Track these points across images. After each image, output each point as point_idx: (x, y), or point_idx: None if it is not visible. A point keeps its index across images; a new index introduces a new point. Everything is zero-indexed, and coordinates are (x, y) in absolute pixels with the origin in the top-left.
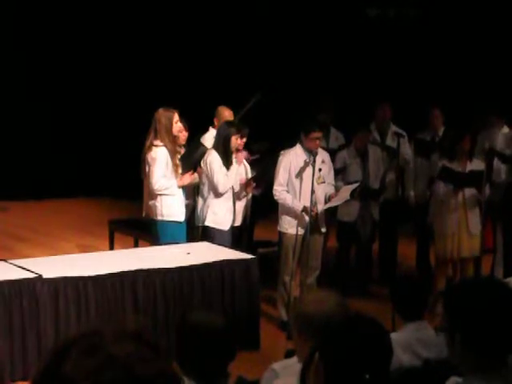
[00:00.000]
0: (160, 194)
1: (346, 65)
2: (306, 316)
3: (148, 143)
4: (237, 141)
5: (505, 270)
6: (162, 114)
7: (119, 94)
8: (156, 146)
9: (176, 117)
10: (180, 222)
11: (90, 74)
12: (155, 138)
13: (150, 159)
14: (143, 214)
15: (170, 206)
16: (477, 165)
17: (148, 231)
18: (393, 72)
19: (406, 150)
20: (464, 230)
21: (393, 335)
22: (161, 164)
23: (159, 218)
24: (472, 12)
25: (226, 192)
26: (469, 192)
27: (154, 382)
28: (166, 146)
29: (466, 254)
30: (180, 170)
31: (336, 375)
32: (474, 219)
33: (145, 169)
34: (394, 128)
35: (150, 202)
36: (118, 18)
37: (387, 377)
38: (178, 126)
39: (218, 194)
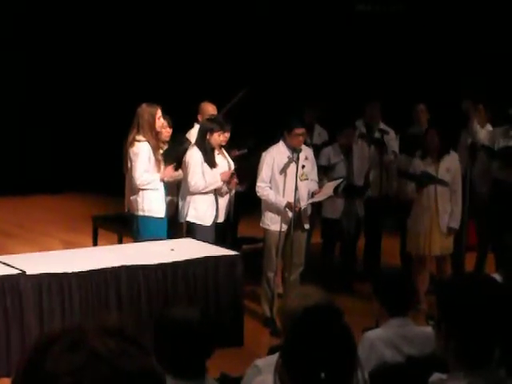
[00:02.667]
0: (142, 189)
1: (333, 61)
2: (291, 311)
3: (130, 138)
4: (219, 137)
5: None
6: (144, 109)
7: (103, 89)
8: (138, 141)
9: (159, 112)
10: (161, 218)
11: (73, 70)
12: (138, 133)
13: (132, 154)
14: (126, 209)
15: (152, 202)
16: (450, 161)
17: (132, 227)
18: (379, 68)
19: (391, 146)
20: (436, 228)
21: (376, 331)
22: (143, 159)
23: (140, 213)
24: (458, 8)
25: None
26: (441, 190)
27: (138, 378)
28: (148, 141)
29: (436, 252)
30: (162, 166)
31: (294, 367)
32: (446, 218)
33: (127, 164)
34: (381, 125)
35: (132, 197)
36: (103, 14)
37: (349, 367)
38: (160, 122)
39: (189, 192)
